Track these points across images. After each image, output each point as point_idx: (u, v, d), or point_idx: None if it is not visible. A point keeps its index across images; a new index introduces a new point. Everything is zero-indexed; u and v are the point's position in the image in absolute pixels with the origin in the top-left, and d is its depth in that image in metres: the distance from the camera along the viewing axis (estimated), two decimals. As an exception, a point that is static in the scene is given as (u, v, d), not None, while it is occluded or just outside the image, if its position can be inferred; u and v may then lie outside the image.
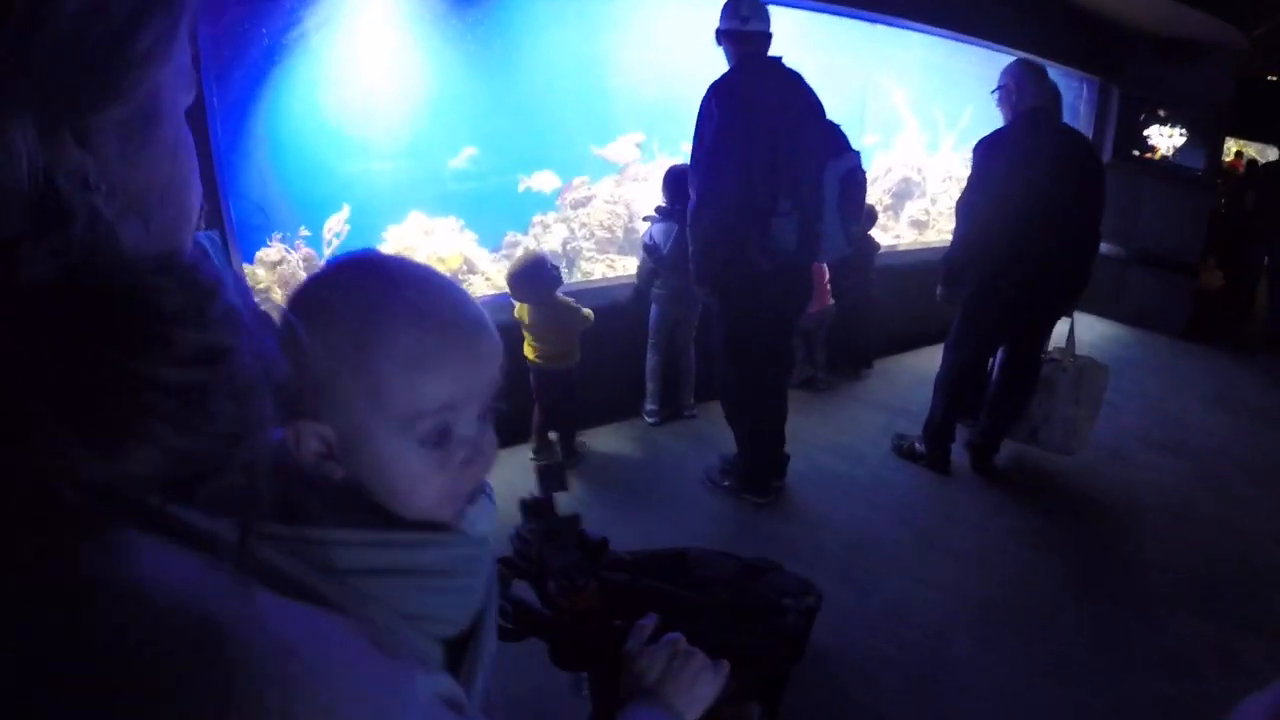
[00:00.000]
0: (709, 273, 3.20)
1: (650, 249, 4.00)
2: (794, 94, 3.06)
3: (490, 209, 5.07)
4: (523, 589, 1.08)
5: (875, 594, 3.09)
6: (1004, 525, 3.60)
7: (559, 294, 3.74)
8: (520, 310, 3.71)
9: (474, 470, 0.64)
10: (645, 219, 4.13)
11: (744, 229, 3.01)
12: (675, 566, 1.55)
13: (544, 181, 5.22)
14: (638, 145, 5.46)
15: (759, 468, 3.55)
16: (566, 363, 3.79)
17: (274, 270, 4.19)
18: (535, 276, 3.60)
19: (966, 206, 3.57)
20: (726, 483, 3.64)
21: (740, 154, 2.94)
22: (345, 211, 4.24)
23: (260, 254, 4.22)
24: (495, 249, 5.30)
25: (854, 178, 3.11)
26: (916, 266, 5.62)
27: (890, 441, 4.18)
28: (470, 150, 4.96)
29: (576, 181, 5.36)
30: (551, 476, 1.13)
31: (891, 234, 6.52)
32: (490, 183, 5.13)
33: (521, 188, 5.17)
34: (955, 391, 3.85)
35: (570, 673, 1.06)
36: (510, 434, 3.98)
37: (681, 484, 3.78)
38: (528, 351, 3.76)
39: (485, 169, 5.05)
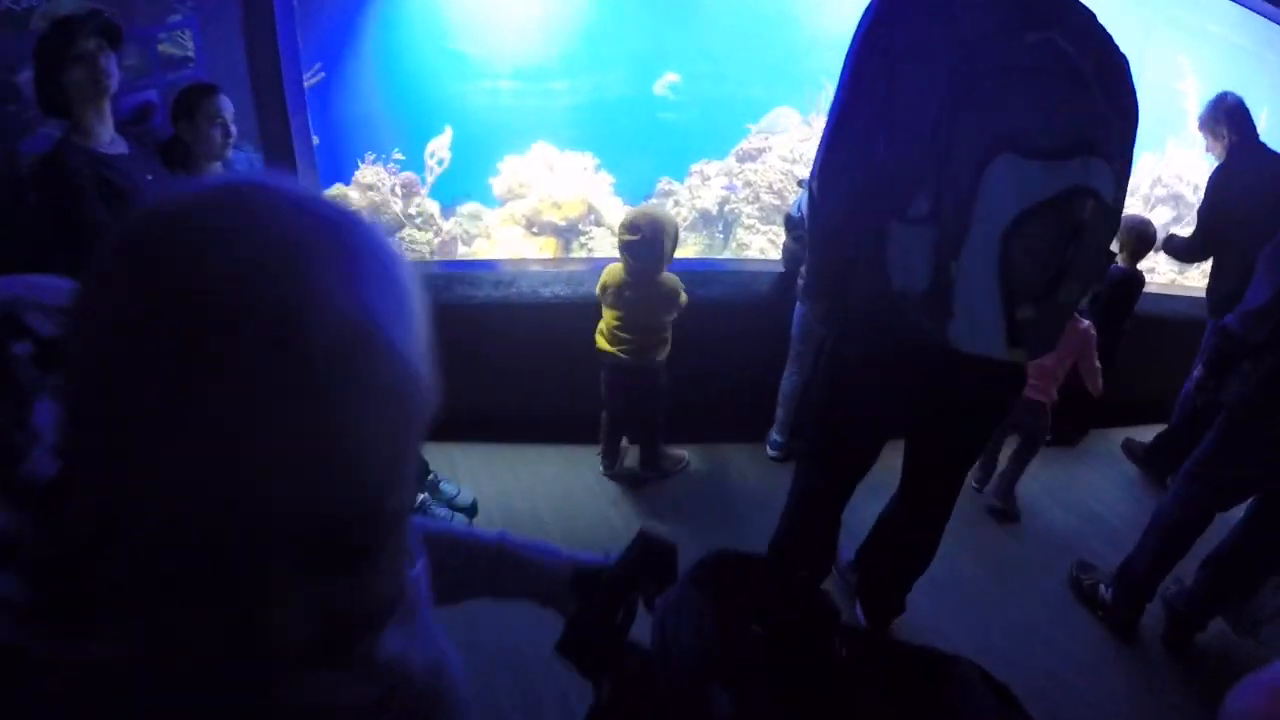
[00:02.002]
0: (824, 286, 2.10)
1: (794, 225, 3.09)
2: (1055, 26, 1.62)
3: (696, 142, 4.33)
4: None
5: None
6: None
7: (666, 272, 2.98)
8: (611, 275, 3.01)
9: None
10: (800, 183, 3.19)
11: (869, 234, 1.85)
12: (915, 671, 0.91)
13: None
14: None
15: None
16: (648, 358, 3.06)
17: (366, 194, 3.75)
18: (653, 240, 2.87)
19: (1275, 264, 2.31)
20: (853, 578, 2.73)
21: (883, 109, 1.75)
22: (447, 135, 3.69)
23: (358, 175, 3.81)
24: (647, 195, 4.58)
25: (1071, 204, 1.57)
26: (1170, 317, 4.02)
27: (1069, 569, 2.96)
28: (672, 77, 4.23)
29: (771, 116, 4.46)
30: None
31: (1144, 265, 4.95)
32: (690, 114, 4.38)
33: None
34: (1180, 539, 2.64)
35: None
36: (581, 430, 3.47)
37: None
38: (598, 338, 3.09)
39: (687, 98, 4.31)
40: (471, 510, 3.20)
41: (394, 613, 0.52)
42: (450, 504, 3.17)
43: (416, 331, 0.45)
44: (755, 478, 3.42)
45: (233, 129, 2.53)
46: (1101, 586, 2.82)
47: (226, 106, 2.49)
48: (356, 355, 0.39)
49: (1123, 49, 1.67)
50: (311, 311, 0.38)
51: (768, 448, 3.51)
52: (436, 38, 3.70)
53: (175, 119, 2.47)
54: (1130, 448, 3.70)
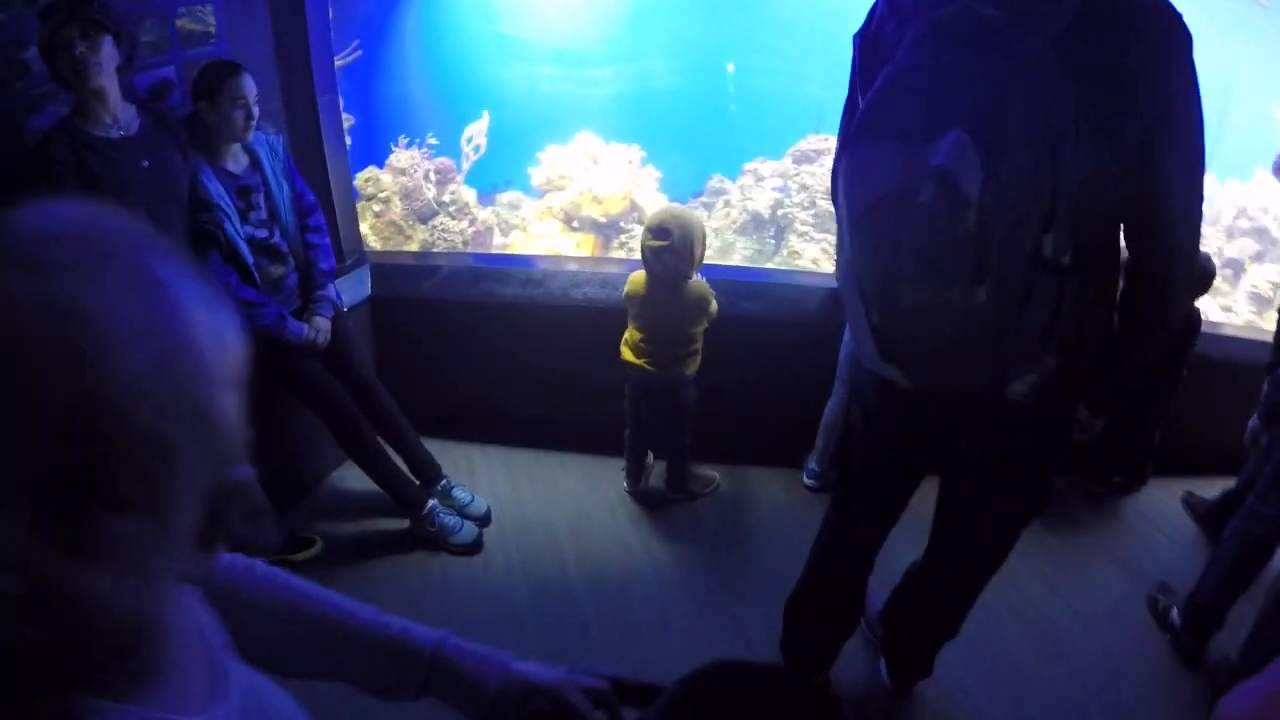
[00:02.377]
0: None
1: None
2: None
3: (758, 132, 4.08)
4: None
5: None
6: None
7: (696, 277, 2.80)
8: (635, 283, 2.85)
9: None
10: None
11: None
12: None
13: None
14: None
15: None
16: (675, 371, 2.89)
17: (398, 179, 3.63)
18: (684, 245, 2.68)
19: None
20: (880, 632, 2.54)
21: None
22: (485, 120, 3.53)
23: (391, 159, 3.69)
24: (697, 193, 4.38)
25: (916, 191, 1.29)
26: (1242, 362, 3.58)
27: (1148, 598, 2.89)
28: (726, 68, 4.02)
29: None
30: None
31: (1220, 303, 4.58)
32: (745, 109, 4.16)
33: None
34: (1242, 574, 2.57)
35: None
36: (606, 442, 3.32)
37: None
38: (623, 349, 2.93)
39: (742, 92, 4.09)
40: (484, 520, 3.08)
41: (119, 666, 0.48)
42: (461, 512, 3.06)
43: (218, 346, 0.46)
44: (788, 507, 3.23)
45: (255, 110, 2.42)
46: (1174, 610, 2.75)
47: (250, 88, 2.39)
48: (125, 280, 0.42)
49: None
50: (103, 227, 0.44)
51: (804, 476, 3.31)
52: (478, 19, 3.54)
53: (195, 98, 2.38)
54: (1191, 502, 3.40)
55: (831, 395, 3.13)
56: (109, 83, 2.10)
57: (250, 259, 2.52)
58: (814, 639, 2.32)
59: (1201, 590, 2.63)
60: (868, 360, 1.54)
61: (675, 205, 2.90)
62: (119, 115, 2.17)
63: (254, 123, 2.44)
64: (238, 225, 2.50)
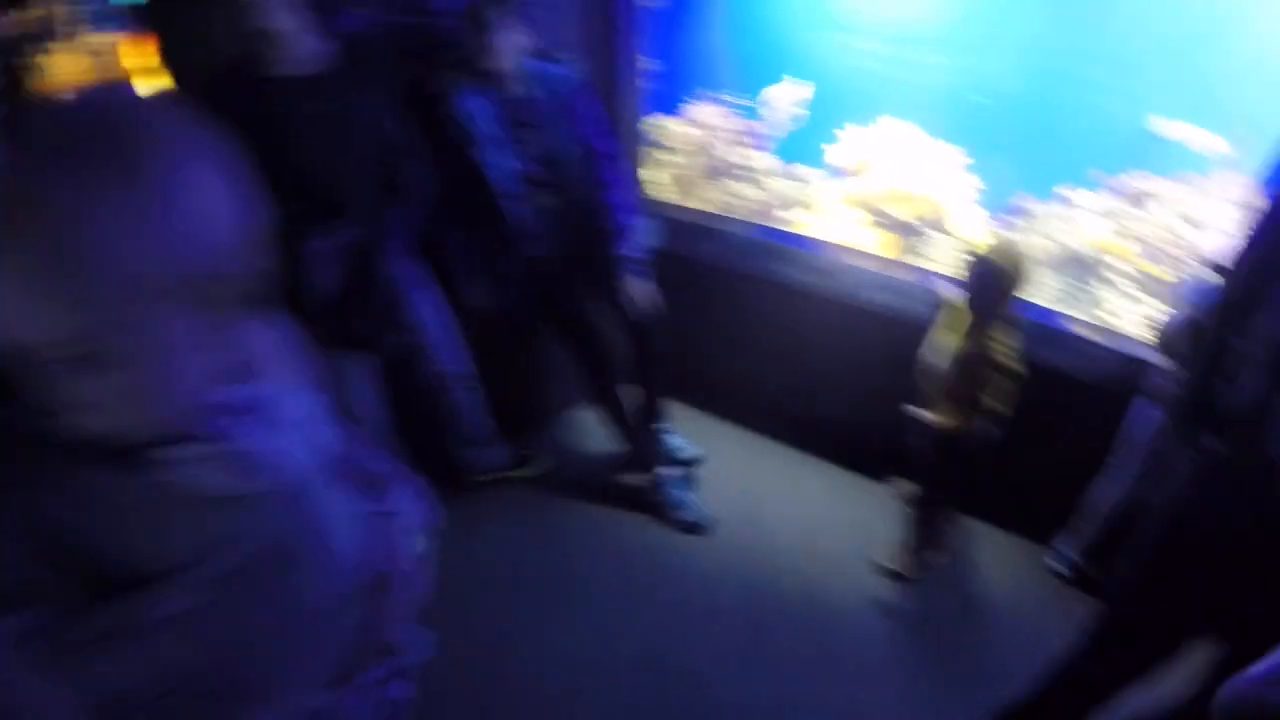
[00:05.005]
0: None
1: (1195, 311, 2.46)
2: None
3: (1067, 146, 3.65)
4: None
5: None
6: None
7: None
8: (953, 321, 2.55)
9: None
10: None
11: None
12: None
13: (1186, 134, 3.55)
14: None
15: None
16: (957, 421, 2.60)
17: (696, 132, 3.55)
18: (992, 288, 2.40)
19: None
20: None
21: None
22: (801, 88, 3.38)
23: (691, 110, 3.65)
24: (1006, 210, 4.03)
25: None
26: None
27: None
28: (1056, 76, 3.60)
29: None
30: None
31: None
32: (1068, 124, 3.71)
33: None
34: None
35: None
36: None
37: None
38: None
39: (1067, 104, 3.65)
40: (689, 464, 3.17)
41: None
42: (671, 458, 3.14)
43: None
44: (1033, 593, 2.93)
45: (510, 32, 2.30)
46: None
47: None
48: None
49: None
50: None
51: (1052, 559, 2.99)
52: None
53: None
54: None
55: (1106, 477, 2.76)
56: (282, 23, 1.99)
57: (504, 190, 2.47)
58: None
59: None
60: None
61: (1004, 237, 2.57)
62: (298, 53, 2.08)
63: (509, 35, 2.30)
64: (499, 157, 2.43)
